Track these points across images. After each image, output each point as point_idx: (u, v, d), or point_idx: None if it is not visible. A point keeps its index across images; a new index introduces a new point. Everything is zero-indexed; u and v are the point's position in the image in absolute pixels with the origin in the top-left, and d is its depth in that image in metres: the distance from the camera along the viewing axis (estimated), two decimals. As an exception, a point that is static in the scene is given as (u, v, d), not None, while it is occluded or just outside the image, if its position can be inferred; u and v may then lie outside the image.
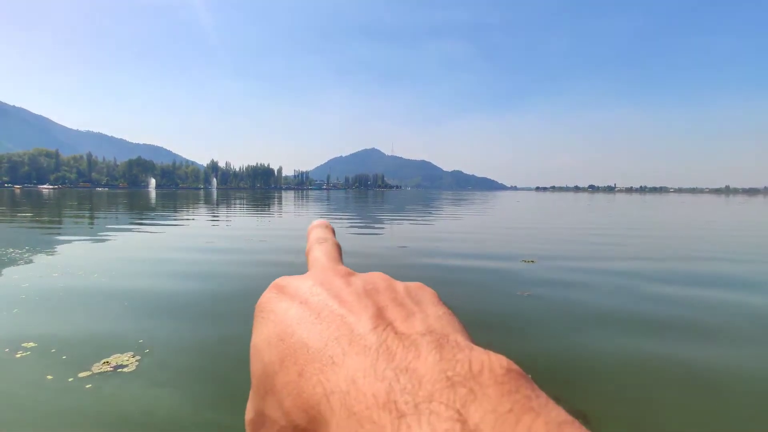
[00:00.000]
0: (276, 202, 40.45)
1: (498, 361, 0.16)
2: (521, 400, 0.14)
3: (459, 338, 0.18)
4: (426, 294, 0.25)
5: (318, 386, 0.18)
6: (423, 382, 0.15)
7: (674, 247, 11.50)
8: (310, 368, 0.19)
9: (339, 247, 0.34)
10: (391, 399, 0.15)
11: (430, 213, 26.52)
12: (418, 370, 0.16)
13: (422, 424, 0.14)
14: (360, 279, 0.26)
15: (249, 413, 0.24)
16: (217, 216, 22.00)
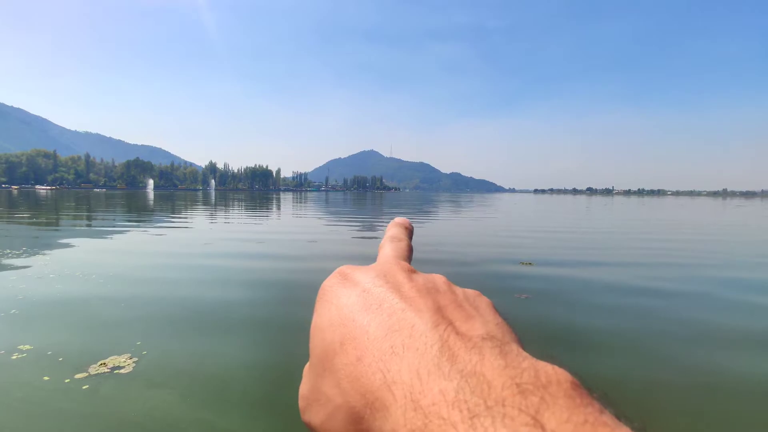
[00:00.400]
0: (274, 204, 40.42)
1: (563, 375, 0.16)
2: (594, 413, 0.15)
3: (519, 348, 0.19)
4: (483, 302, 0.27)
5: (378, 374, 0.18)
6: (492, 386, 0.15)
7: (677, 251, 11.54)
8: (369, 354, 0.19)
9: (411, 249, 0.36)
10: (461, 398, 0.15)
11: (428, 215, 26.53)
12: (485, 374, 0.16)
13: (497, 425, 0.14)
14: (422, 277, 0.27)
15: (304, 387, 0.25)
16: (215, 218, 21.97)
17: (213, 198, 57.65)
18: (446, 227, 18.01)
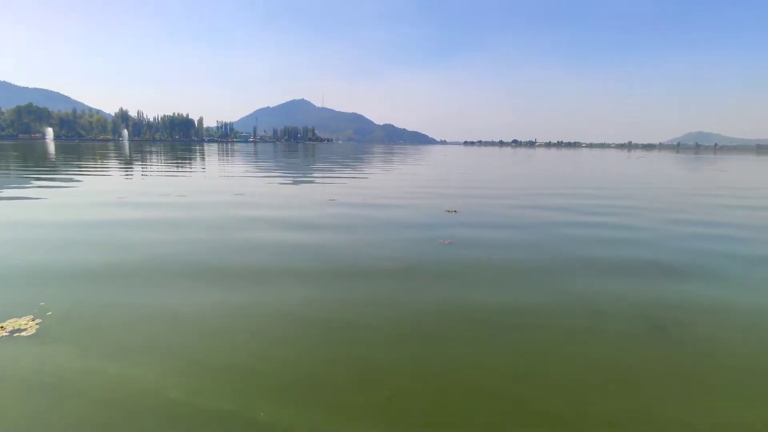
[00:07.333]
0: (197, 157, 37.82)
1: None
2: None
3: None
4: None
5: None
6: None
7: (588, 195, 12.70)
8: None
9: None
10: None
11: (362, 166, 26.48)
12: None
13: None
14: None
15: None
16: (131, 172, 20.25)
17: (127, 150, 52.40)
18: (378, 178, 18.15)
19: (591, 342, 3.36)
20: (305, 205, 10.09)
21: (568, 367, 2.98)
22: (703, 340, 3.45)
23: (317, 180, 16.86)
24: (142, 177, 16.92)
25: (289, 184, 15.02)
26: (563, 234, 7.27)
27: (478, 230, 7.39)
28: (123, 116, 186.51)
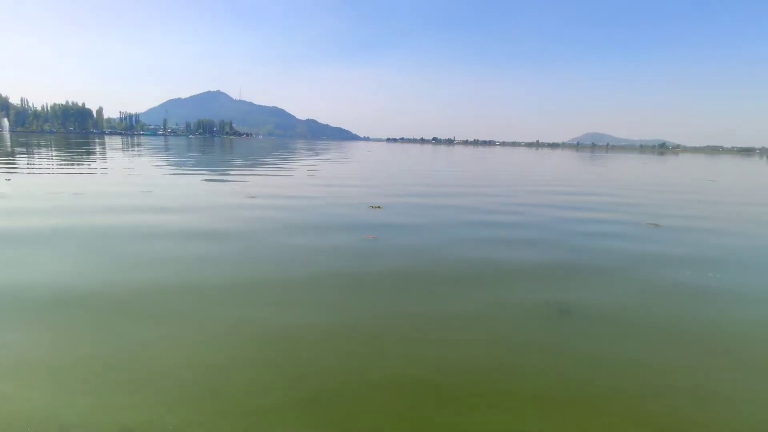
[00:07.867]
0: (96, 150, 34.04)
1: None
2: None
3: None
4: None
5: None
6: None
7: (503, 192, 13.54)
8: None
9: None
10: None
11: (284, 163, 25.71)
12: None
13: None
14: None
15: None
16: (12, 168, 17.72)
17: (8, 142, 45.45)
18: (302, 175, 17.80)
19: (497, 325, 3.58)
20: (219, 205, 9.54)
21: (482, 351, 3.15)
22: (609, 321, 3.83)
23: (236, 177, 16.05)
24: (28, 174, 14.86)
25: (204, 181, 14.13)
26: (473, 229, 7.68)
27: (400, 226, 7.53)
28: (2, 104, 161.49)
